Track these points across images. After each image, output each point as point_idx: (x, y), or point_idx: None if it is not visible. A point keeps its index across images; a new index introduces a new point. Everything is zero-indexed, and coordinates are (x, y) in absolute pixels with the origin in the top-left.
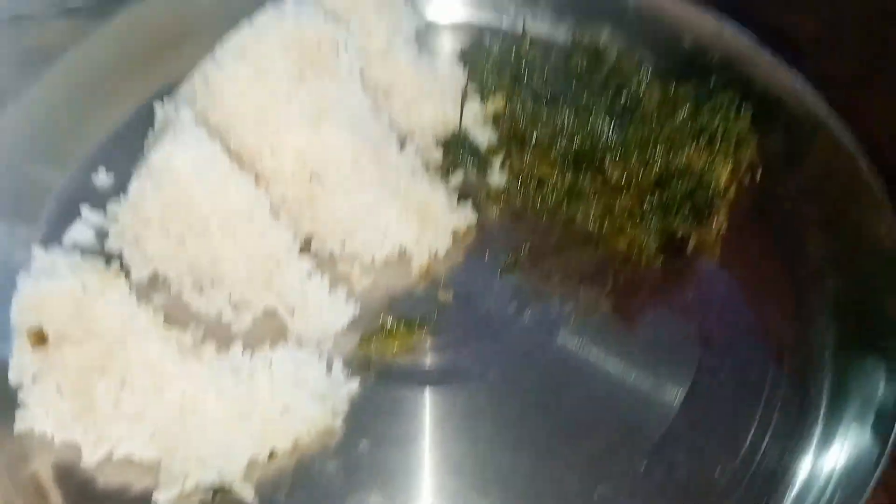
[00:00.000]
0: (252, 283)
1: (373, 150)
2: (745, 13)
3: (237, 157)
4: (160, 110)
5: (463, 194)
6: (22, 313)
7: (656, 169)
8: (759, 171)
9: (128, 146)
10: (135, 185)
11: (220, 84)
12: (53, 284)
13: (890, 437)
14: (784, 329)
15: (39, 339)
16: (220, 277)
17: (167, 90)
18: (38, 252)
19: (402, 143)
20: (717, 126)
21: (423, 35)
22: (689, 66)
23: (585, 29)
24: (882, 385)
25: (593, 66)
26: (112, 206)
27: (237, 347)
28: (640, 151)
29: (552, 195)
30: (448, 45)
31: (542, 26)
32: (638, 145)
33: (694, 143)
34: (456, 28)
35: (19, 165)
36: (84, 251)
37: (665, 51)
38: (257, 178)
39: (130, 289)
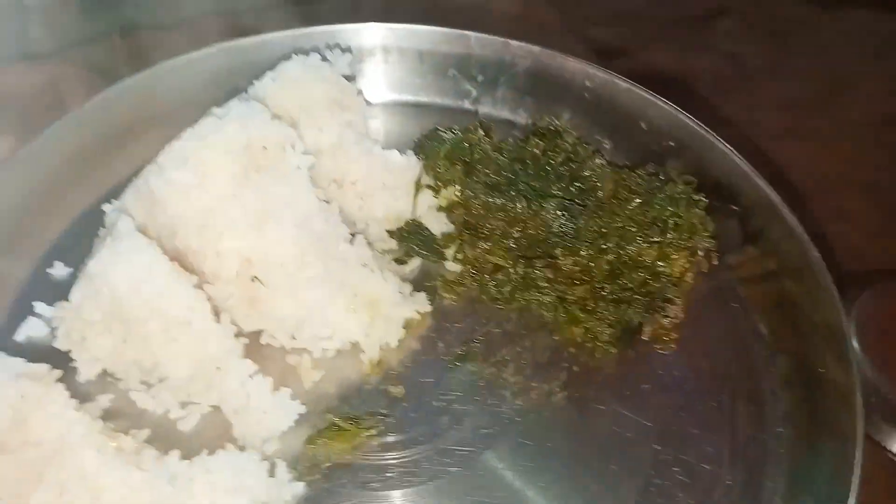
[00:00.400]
0: (195, 383)
1: (320, 246)
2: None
3: (180, 260)
4: (107, 213)
5: (417, 283)
6: None
7: (609, 259)
8: (715, 258)
9: (85, 240)
10: (75, 291)
11: (162, 191)
12: None
13: None
14: (740, 415)
15: None
16: (165, 377)
17: (125, 183)
18: None
19: (353, 236)
20: (670, 217)
21: (378, 123)
22: (645, 152)
23: (543, 113)
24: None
25: (549, 152)
26: (58, 308)
27: (175, 454)
28: (593, 242)
29: (506, 284)
30: (404, 132)
31: (501, 110)
32: (591, 236)
33: (647, 235)
34: (415, 109)
35: None
36: (36, 348)
37: (621, 136)
38: (201, 280)
39: (72, 394)
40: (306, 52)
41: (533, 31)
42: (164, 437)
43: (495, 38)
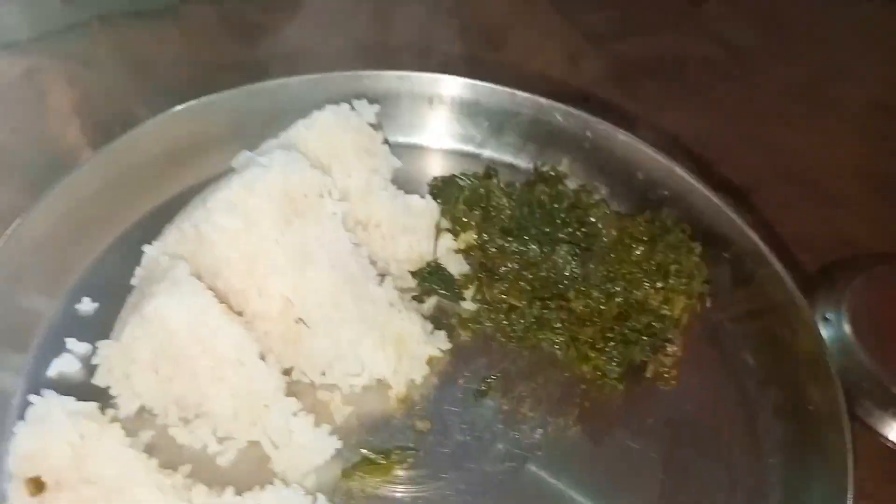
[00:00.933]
0: (238, 419)
1: (352, 287)
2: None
3: (224, 299)
4: (149, 253)
5: (437, 321)
6: (20, 463)
7: (617, 302)
8: (708, 300)
9: (110, 275)
10: (127, 332)
11: (211, 234)
12: (52, 435)
13: None
14: (736, 445)
15: (38, 487)
16: (206, 413)
17: (148, 218)
18: (34, 399)
19: (381, 278)
20: (671, 263)
21: (399, 172)
22: (641, 200)
23: (545, 158)
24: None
25: (555, 199)
26: (102, 347)
27: (229, 490)
28: (602, 286)
29: (521, 323)
30: (422, 177)
31: (504, 154)
32: (600, 280)
33: (652, 280)
34: (424, 151)
35: (10, 294)
36: (69, 384)
37: (617, 183)
38: (244, 318)
39: (126, 434)
40: (335, 101)
41: (525, 13)
42: (204, 472)
43: (503, 88)
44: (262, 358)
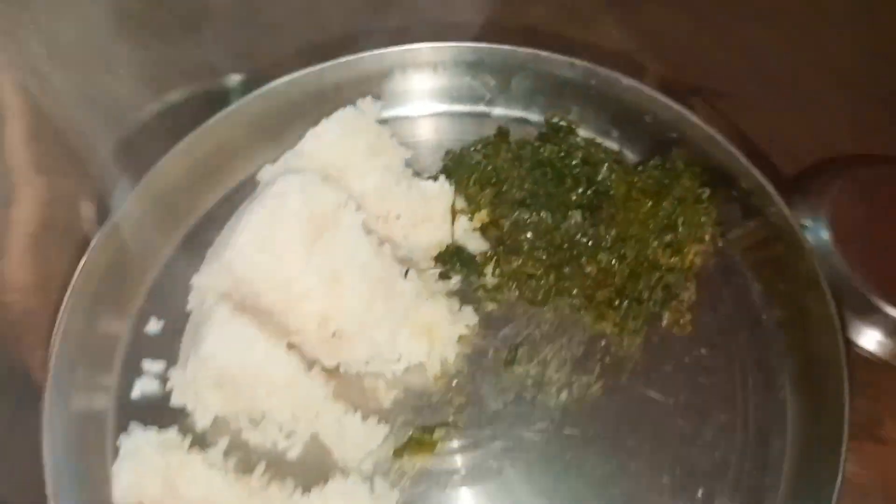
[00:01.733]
0: (297, 423)
1: (381, 288)
2: None
3: (267, 321)
4: (196, 284)
5: (464, 294)
6: (122, 494)
7: (628, 263)
8: (720, 240)
9: (170, 293)
10: (190, 368)
11: (246, 272)
12: (143, 467)
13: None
14: (749, 385)
15: None
16: (271, 417)
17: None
18: (123, 439)
19: (406, 271)
20: (679, 215)
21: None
22: (654, 143)
23: (556, 109)
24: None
25: (565, 156)
26: (173, 374)
27: (299, 487)
28: (612, 250)
29: (540, 291)
30: (438, 148)
31: (514, 109)
32: (608, 244)
33: (661, 237)
34: (436, 118)
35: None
36: (152, 402)
37: (626, 128)
38: (287, 331)
39: (195, 442)
40: (341, 101)
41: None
42: (276, 467)
43: (503, 46)
44: (309, 369)
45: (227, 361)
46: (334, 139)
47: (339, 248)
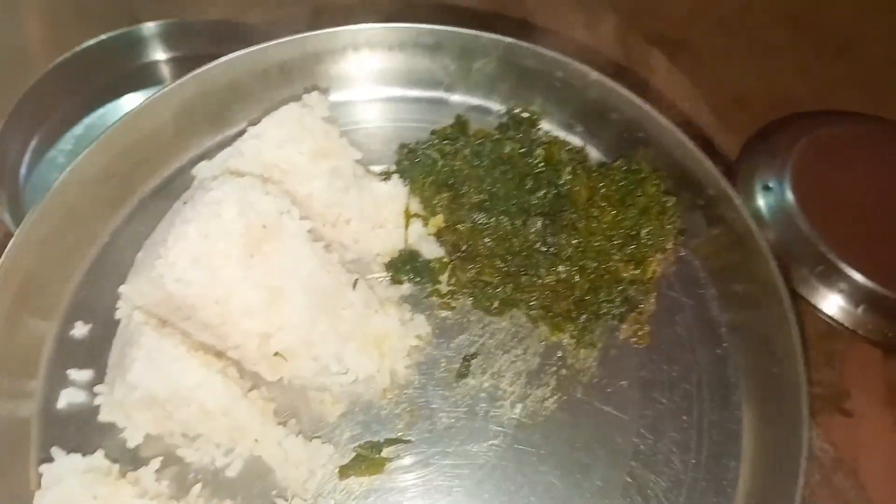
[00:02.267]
0: (235, 443)
1: (327, 300)
2: None
3: (204, 332)
4: (124, 293)
5: (416, 300)
6: None
7: (589, 276)
8: (682, 249)
9: (97, 295)
10: (118, 390)
11: (178, 289)
12: (68, 499)
13: None
14: (705, 401)
15: None
16: (208, 435)
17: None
18: (44, 468)
19: (355, 280)
20: (643, 226)
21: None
22: (619, 141)
23: (518, 99)
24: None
25: (526, 152)
26: (99, 392)
27: None
28: (572, 261)
29: (496, 300)
30: (391, 139)
31: (474, 97)
32: (569, 255)
33: (623, 249)
34: (390, 103)
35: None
36: (79, 414)
37: (591, 123)
38: (225, 346)
39: (123, 460)
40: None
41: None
42: (214, 486)
43: (466, 30)
44: (247, 389)
45: (156, 387)
46: (278, 139)
47: (281, 260)
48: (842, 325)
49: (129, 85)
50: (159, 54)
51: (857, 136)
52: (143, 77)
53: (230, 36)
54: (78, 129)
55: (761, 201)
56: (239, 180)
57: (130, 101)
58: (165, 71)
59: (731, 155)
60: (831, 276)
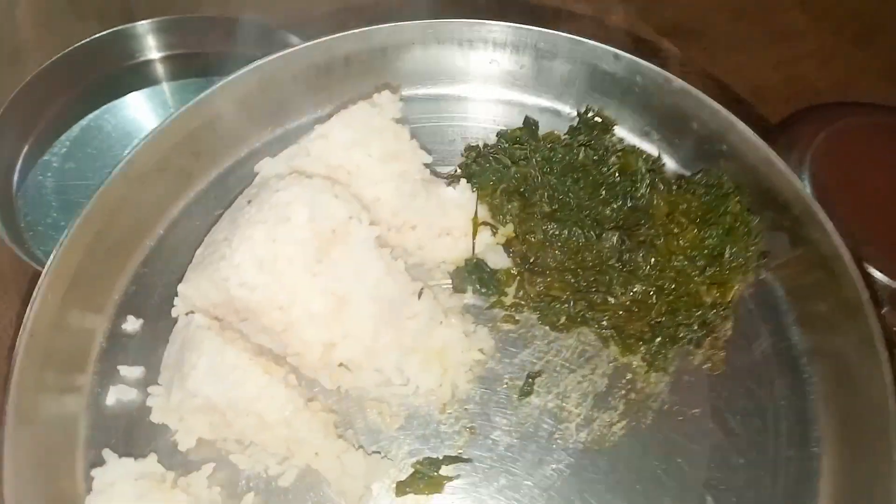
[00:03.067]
0: (293, 452)
1: (392, 310)
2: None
3: (261, 343)
4: (183, 292)
5: (477, 314)
6: None
7: (667, 298)
8: (763, 272)
9: (150, 290)
10: (174, 396)
11: (241, 293)
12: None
13: None
14: (782, 435)
15: None
16: (263, 445)
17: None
18: (96, 472)
19: (420, 290)
20: (725, 246)
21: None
22: (698, 152)
23: (591, 102)
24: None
25: (599, 160)
26: (153, 394)
27: None
28: (649, 280)
29: (563, 315)
30: (458, 140)
31: (546, 99)
32: (646, 273)
33: (702, 272)
34: (460, 101)
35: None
36: (128, 412)
37: (669, 131)
38: (287, 352)
39: (174, 466)
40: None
41: None
42: (267, 495)
43: (542, 29)
44: (307, 400)
45: (215, 394)
46: (346, 140)
47: (349, 267)
48: None
49: (125, 84)
50: (155, 52)
51: (880, 128)
52: (140, 76)
53: (226, 32)
54: (73, 132)
55: None
56: (308, 182)
57: (127, 101)
58: (162, 69)
59: None
60: None
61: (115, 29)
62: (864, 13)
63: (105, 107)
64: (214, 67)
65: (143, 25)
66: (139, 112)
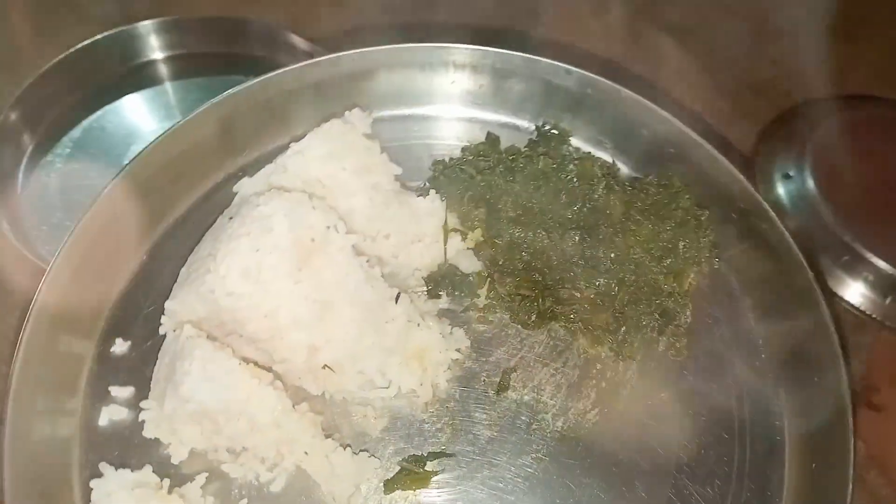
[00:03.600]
0: (283, 457)
1: (371, 314)
2: None
3: (250, 351)
4: (171, 307)
5: (453, 315)
6: None
7: (628, 288)
8: (715, 262)
9: (135, 312)
10: (168, 404)
11: (228, 302)
12: None
13: None
14: (746, 412)
15: None
16: (254, 450)
17: (161, 246)
18: (95, 483)
19: (397, 295)
20: (679, 239)
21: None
22: (649, 157)
23: (548, 116)
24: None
25: (559, 167)
26: (145, 408)
27: None
28: (611, 273)
29: (533, 313)
30: (424, 155)
31: (504, 115)
32: (607, 267)
33: (660, 263)
34: (422, 120)
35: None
36: (120, 431)
37: (622, 138)
38: (272, 360)
39: (168, 477)
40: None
41: None
42: (259, 502)
43: (498, 49)
44: (295, 402)
45: (208, 399)
46: (321, 155)
47: (329, 274)
48: (868, 316)
49: (126, 85)
50: (156, 53)
51: (879, 120)
52: (141, 76)
53: (228, 32)
54: (76, 133)
55: (781, 190)
56: (287, 195)
57: (129, 102)
58: (163, 69)
59: (748, 143)
60: (857, 266)
61: (116, 30)
62: (858, 6)
63: (107, 107)
64: (216, 68)
65: (144, 26)
66: (141, 113)
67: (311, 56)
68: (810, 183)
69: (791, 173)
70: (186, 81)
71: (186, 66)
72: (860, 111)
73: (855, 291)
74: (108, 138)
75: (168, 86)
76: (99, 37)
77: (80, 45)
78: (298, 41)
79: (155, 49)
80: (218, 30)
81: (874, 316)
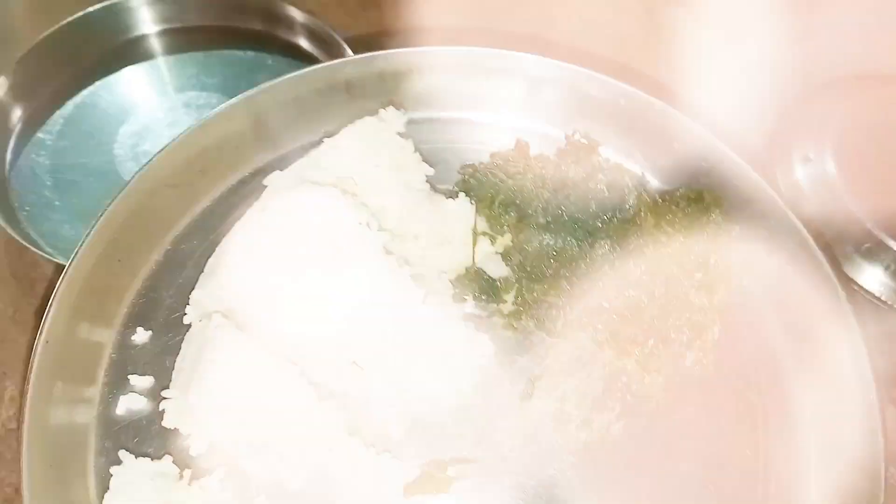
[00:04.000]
0: (305, 453)
1: (399, 315)
2: None
3: (276, 344)
4: (192, 311)
5: (477, 323)
6: None
7: (657, 302)
8: (745, 277)
9: (158, 301)
10: (192, 395)
11: (257, 292)
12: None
13: None
14: (771, 434)
15: None
16: (275, 445)
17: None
18: (115, 470)
19: (423, 296)
20: (711, 254)
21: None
22: (680, 170)
23: (578, 125)
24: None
25: (589, 176)
26: (167, 397)
27: None
28: (641, 285)
29: (560, 321)
30: (454, 159)
31: (535, 122)
32: (637, 278)
33: (690, 276)
34: (454, 124)
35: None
36: (137, 420)
37: (652, 150)
38: (297, 353)
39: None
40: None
41: None
42: (276, 500)
43: (530, 55)
44: (321, 399)
45: (234, 390)
46: (356, 151)
47: (359, 270)
48: (890, 305)
49: (118, 60)
50: (150, 26)
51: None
52: (133, 51)
53: (223, 5)
54: (66, 109)
55: (801, 173)
56: (319, 189)
57: (122, 78)
58: (156, 44)
59: (767, 124)
60: (879, 254)
61: (108, 2)
62: None
63: (99, 83)
64: (212, 41)
65: None
66: (134, 88)
67: (309, 31)
68: (831, 166)
69: (811, 155)
70: (182, 56)
71: (181, 39)
72: (886, 90)
73: (877, 281)
74: (100, 115)
75: (161, 60)
76: (91, 9)
77: (70, 19)
78: (297, 14)
79: (149, 22)
80: (213, 2)
81: (890, 302)
